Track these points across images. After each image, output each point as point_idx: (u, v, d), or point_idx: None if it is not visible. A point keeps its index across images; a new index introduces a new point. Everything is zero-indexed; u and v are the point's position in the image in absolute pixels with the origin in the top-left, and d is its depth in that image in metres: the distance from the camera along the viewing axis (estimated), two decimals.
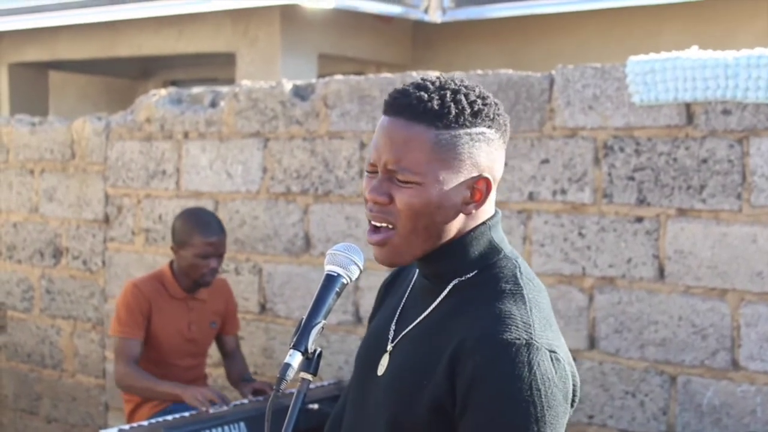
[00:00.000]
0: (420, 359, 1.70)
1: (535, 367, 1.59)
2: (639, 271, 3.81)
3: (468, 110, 1.69)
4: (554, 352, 1.64)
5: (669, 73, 3.71)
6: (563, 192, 3.97)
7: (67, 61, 11.22)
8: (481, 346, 1.61)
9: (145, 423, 3.69)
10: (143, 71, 12.04)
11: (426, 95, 1.68)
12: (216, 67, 10.77)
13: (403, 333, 1.77)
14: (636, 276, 3.81)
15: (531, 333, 1.62)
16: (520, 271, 1.74)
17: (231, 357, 4.48)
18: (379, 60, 9.78)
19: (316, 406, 3.56)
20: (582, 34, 9.15)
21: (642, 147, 3.79)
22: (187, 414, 3.68)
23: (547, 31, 9.33)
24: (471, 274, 1.73)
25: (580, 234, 3.93)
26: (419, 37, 10.14)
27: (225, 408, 3.72)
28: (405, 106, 1.69)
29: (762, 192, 3.56)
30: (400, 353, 1.76)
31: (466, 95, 1.70)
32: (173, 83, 11.24)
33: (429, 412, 1.64)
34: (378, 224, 1.72)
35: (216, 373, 4.92)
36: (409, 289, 1.86)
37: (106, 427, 5.36)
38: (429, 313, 1.74)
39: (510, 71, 4.14)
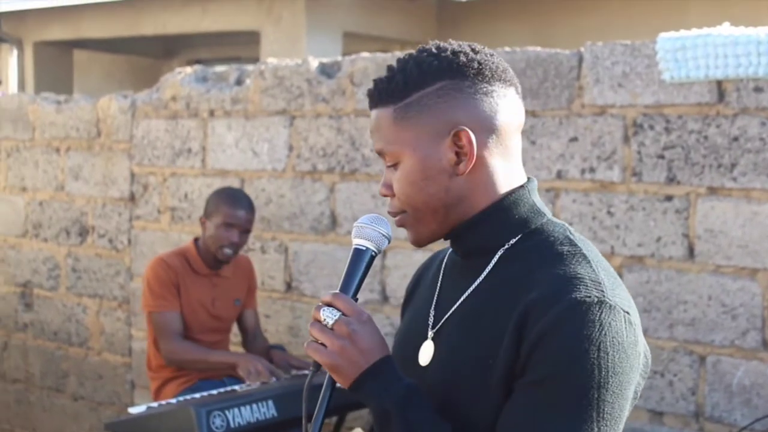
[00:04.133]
0: (478, 338, 1.59)
1: (606, 328, 1.49)
2: (668, 250, 3.78)
3: (415, 71, 1.62)
4: (628, 313, 1.53)
5: (700, 50, 3.66)
6: (592, 170, 3.94)
7: (92, 40, 11.25)
8: (549, 307, 1.50)
9: (173, 400, 3.70)
10: (167, 50, 12.06)
11: (380, 78, 1.66)
12: (240, 46, 10.77)
13: (447, 316, 1.67)
14: (665, 255, 3.78)
15: (603, 291, 1.52)
16: (571, 232, 1.65)
17: (252, 335, 4.50)
18: (403, 38, 9.75)
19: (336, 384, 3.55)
20: (607, 12, 9.10)
21: (672, 125, 3.75)
22: (215, 392, 3.69)
23: (571, 9, 9.28)
24: (514, 240, 1.64)
25: (608, 212, 3.90)
26: (444, 15, 10.10)
27: (257, 385, 3.74)
28: (370, 96, 1.68)
29: None
30: (449, 337, 1.66)
31: (416, 58, 1.64)
32: (197, 62, 11.25)
33: (503, 385, 1.54)
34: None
35: (241, 351, 4.93)
36: (442, 272, 1.77)
37: (132, 404, 5.39)
38: (475, 288, 1.64)
39: (538, 48, 4.10)
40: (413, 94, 1.61)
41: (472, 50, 1.64)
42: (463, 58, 1.62)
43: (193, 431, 3.21)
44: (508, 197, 1.65)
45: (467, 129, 1.60)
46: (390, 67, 1.66)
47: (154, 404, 3.60)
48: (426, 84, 1.61)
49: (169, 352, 4.12)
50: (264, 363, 3.92)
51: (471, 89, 1.61)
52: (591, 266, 1.57)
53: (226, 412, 3.31)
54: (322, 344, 1.57)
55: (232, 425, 3.31)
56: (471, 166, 1.61)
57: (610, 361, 1.48)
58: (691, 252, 3.73)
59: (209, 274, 4.27)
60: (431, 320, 1.71)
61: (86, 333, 5.78)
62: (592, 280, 1.54)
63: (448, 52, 1.62)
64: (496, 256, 1.64)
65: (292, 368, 4.15)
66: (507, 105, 1.64)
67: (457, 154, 1.61)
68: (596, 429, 1.48)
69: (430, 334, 1.69)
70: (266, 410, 3.45)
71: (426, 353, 1.68)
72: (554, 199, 4.03)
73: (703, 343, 3.71)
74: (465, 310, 1.65)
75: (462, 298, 1.66)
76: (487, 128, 1.62)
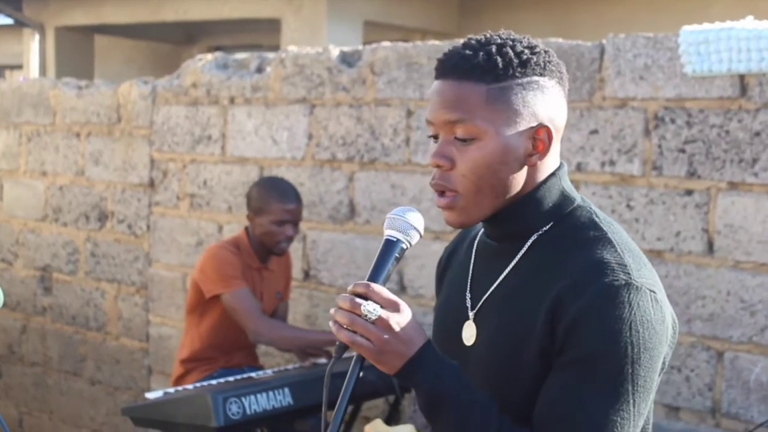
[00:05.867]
0: (515, 319, 1.69)
1: (635, 308, 1.60)
2: (687, 245, 3.76)
3: (516, 61, 1.68)
4: (654, 291, 1.64)
5: (723, 43, 3.64)
6: (612, 163, 3.92)
7: (113, 26, 11.28)
8: (581, 292, 1.61)
9: (190, 386, 3.71)
10: (188, 36, 12.08)
11: (471, 52, 1.69)
12: (260, 34, 10.77)
13: (485, 297, 1.76)
14: (684, 250, 3.77)
15: (629, 273, 1.62)
16: (596, 216, 1.74)
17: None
18: (424, 28, 9.73)
19: (360, 373, 3.55)
20: (630, 4, 9.05)
21: (693, 119, 3.73)
22: (231, 379, 3.69)
23: (594, 1, 9.23)
24: (547, 227, 1.73)
25: (628, 206, 3.89)
26: (465, 5, 10.07)
27: (269, 373, 3.75)
28: (453, 66, 1.70)
29: None
30: (488, 318, 1.75)
31: (513, 47, 1.70)
32: (217, 49, 11.25)
33: (538, 366, 1.65)
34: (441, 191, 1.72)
35: None
36: (473, 255, 1.85)
37: (148, 389, 5.41)
38: (510, 271, 1.73)
39: (560, 40, 4.09)
40: (508, 80, 1.67)
41: (551, 53, 1.75)
42: (554, 59, 1.73)
43: (209, 417, 3.22)
44: (543, 185, 1.74)
45: (549, 125, 1.71)
46: (479, 45, 1.70)
47: (171, 390, 3.61)
48: (523, 74, 1.69)
49: (267, 330, 4.02)
50: None
51: (553, 90, 1.72)
52: (616, 250, 1.67)
53: (243, 399, 3.31)
54: (365, 338, 1.61)
55: (248, 412, 3.31)
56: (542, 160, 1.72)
57: (641, 338, 1.60)
58: (710, 247, 3.72)
59: (259, 267, 4.26)
60: (469, 302, 1.79)
61: (104, 318, 5.81)
62: (618, 264, 1.64)
63: (540, 50, 1.72)
64: (529, 241, 1.73)
65: (307, 356, 4.14)
66: (565, 107, 1.78)
67: (533, 146, 1.71)
68: (632, 401, 1.60)
69: (471, 315, 1.78)
70: (282, 398, 3.45)
71: (469, 333, 1.77)
72: None
73: (721, 338, 3.70)
74: (502, 293, 1.74)
75: (498, 281, 1.75)
76: (557, 127, 1.74)
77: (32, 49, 12.29)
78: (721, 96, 3.67)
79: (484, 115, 1.67)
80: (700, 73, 3.69)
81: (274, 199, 4.13)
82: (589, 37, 4.38)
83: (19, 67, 13.61)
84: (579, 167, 4.00)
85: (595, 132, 3.96)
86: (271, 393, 3.41)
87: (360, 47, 4.81)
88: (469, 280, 1.82)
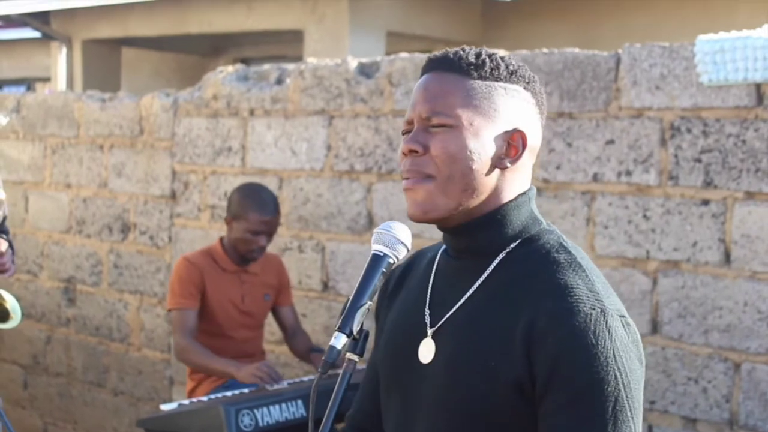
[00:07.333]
0: (482, 339, 1.65)
1: (613, 334, 1.59)
2: (704, 255, 3.74)
3: (503, 66, 1.73)
4: (623, 316, 1.64)
5: (739, 52, 3.62)
6: (628, 173, 3.91)
7: (139, 38, 11.35)
8: (558, 322, 1.59)
9: (204, 398, 3.72)
10: (214, 48, 12.14)
11: (462, 52, 1.74)
12: (285, 45, 10.81)
13: (448, 315, 1.72)
14: (701, 260, 3.74)
15: (601, 300, 1.62)
16: (564, 239, 1.74)
17: (292, 332, 4.49)
18: (447, 38, 9.71)
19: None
20: (654, 13, 9.02)
21: (710, 128, 3.71)
22: (246, 390, 3.70)
23: (618, 10, 9.21)
24: (514, 245, 1.72)
25: (644, 216, 3.87)
26: (489, 15, 10.06)
27: (284, 385, 3.75)
28: (441, 60, 1.74)
29: None
30: (450, 336, 1.70)
31: (503, 58, 1.74)
32: (243, 60, 11.31)
33: (507, 392, 1.62)
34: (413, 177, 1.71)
35: (278, 350, 4.95)
36: (433, 272, 1.82)
37: (170, 400, 5.43)
38: (477, 289, 1.71)
39: (576, 50, 4.07)
40: (493, 81, 1.71)
41: (537, 79, 1.81)
42: (539, 83, 1.79)
43: (221, 429, 3.23)
44: (512, 202, 1.73)
45: (525, 132, 1.72)
46: (471, 49, 1.75)
47: (186, 402, 3.63)
48: (508, 80, 1.73)
49: (179, 350, 4.13)
50: (266, 366, 3.86)
51: (534, 108, 1.76)
52: (587, 275, 1.66)
53: (255, 411, 3.32)
54: None
55: (260, 424, 3.32)
56: (513, 167, 1.72)
57: (624, 363, 1.59)
58: (727, 257, 3.69)
59: (237, 270, 4.29)
60: (428, 319, 1.76)
61: (127, 329, 5.84)
62: (589, 290, 1.63)
63: (527, 68, 1.77)
64: (497, 260, 1.71)
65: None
66: (540, 130, 1.79)
67: (506, 149, 1.71)
68: (633, 425, 1.59)
69: (430, 332, 1.74)
70: (295, 410, 3.46)
71: (427, 351, 1.73)
72: (590, 202, 4.00)
73: (738, 350, 3.67)
74: (467, 311, 1.70)
75: (463, 299, 1.71)
76: (530, 142, 1.75)
77: (60, 62, 12.40)
78: (737, 105, 3.65)
79: (462, 105, 1.69)
80: (716, 82, 3.67)
81: (253, 209, 4.17)
82: (612, 46, 4.36)
83: (48, 79, 13.75)
84: (595, 177, 3.98)
85: (611, 142, 3.95)
86: (284, 405, 3.42)
87: (378, 58, 4.82)
88: (428, 297, 1.79)
